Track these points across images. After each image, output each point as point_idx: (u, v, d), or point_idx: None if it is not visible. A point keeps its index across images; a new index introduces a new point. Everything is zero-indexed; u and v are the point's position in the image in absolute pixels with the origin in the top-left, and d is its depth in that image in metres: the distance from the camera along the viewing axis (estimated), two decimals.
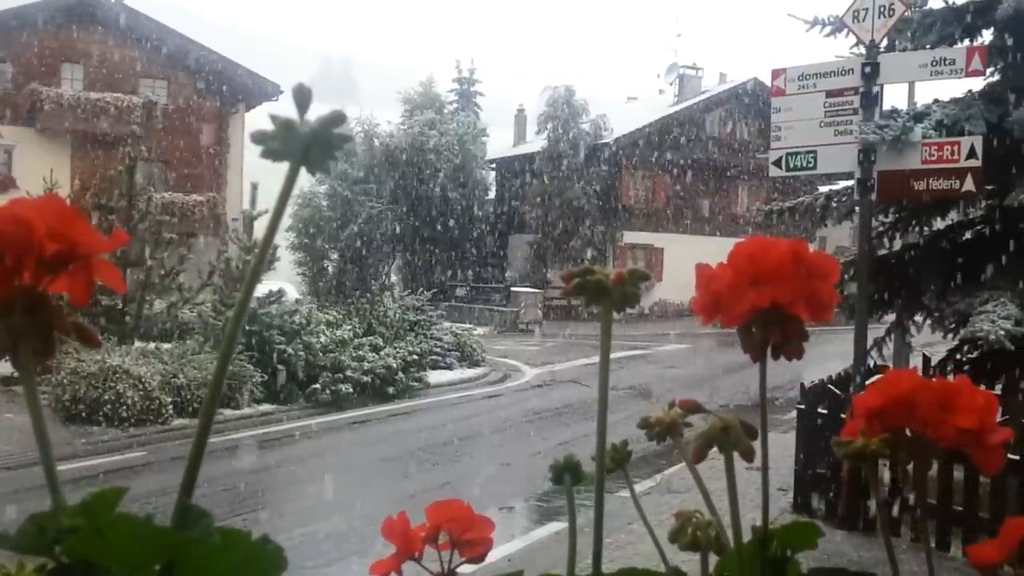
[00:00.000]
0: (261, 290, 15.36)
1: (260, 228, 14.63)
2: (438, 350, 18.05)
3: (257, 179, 15.35)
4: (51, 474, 0.46)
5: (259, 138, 0.45)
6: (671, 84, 38.72)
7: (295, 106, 0.45)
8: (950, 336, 9.08)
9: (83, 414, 11.62)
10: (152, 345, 13.82)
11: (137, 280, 14.88)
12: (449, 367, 18.07)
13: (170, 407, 11.95)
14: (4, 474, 8.93)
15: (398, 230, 34.26)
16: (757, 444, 0.60)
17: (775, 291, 0.57)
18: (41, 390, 11.62)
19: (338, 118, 0.45)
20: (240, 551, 0.41)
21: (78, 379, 11.70)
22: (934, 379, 0.62)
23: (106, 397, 11.58)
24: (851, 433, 0.63)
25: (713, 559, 0.63)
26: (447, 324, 20.40)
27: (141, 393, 11.74)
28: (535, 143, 35.95)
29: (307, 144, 0.44)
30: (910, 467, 0.63)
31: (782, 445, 8.95)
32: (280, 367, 14.02)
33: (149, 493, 7.99)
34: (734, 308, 0.59)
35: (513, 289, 31.72)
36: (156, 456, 10.19)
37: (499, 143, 40.48)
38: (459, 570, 0.75)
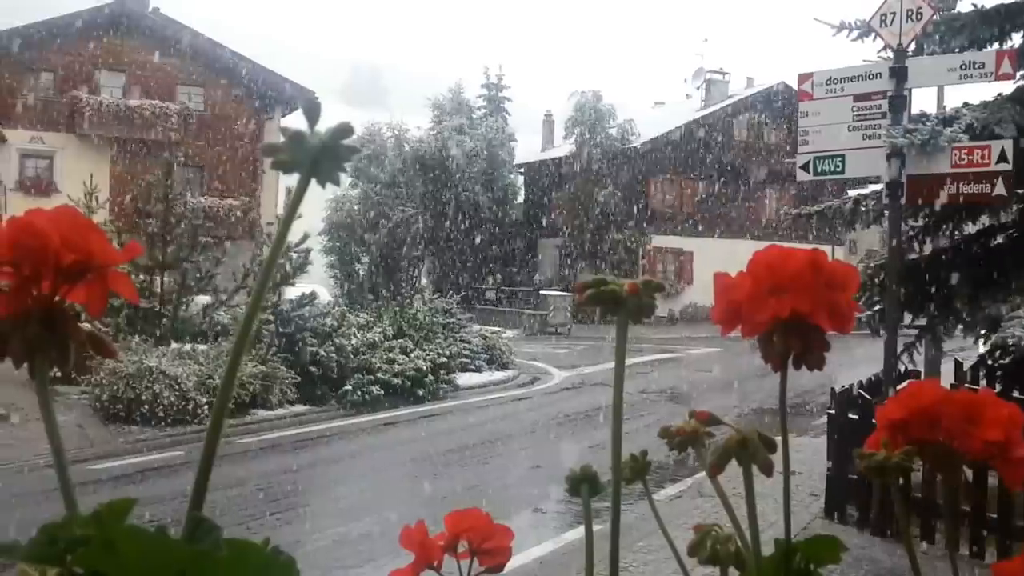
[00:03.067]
0: (294, 293, 15.50)
1: (295, 232, 14.76)
2: (467, 352, 18.07)
3: (291, 184, 15.42)
4: (65, 484, 0.46)
5: (269, 150, 0.45)
6: (698, 89, 38.58)
7: (305, 119, 0.45)
8: (982, 341, 8.96)
9: (121, 413, 11.79)
10: (188, 346, 13.97)
11: (174, 282, 15.07)
12: (478, 370, 18.08)
13: (205, 407, 12.07)
14: (46, 471, 9.07)
15: (428, 234, 34.42)
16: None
17: (795, 301, 0.56)
18: (80, 389, 11.95)
19: (346, 130, 0.45)
20: (251, 563, 0.41)
21: (116, 379, 11.86)
22: (960, 388, 0.61)
23: (144, 397, 11.73)
24: (874, 445, 0.62)
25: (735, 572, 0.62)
26: (476, 327, 20.42)
27: (177, 393, 11.89)
28: (563, 148, 35.98)
29: (316, 156, 0.44)
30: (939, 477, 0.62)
31: (813, 450, 8.87)
32: (312, 368, 14.12)
33: (185, 493, 8.07)
34: (754, 318, 0.58)
35: (542, 292, 31.72)
36: (192, 455, 10.27)
37: (527, 148, 40.58)
38: None
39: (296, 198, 0.46)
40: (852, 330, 0.58)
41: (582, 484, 0.64)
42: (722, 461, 0.59)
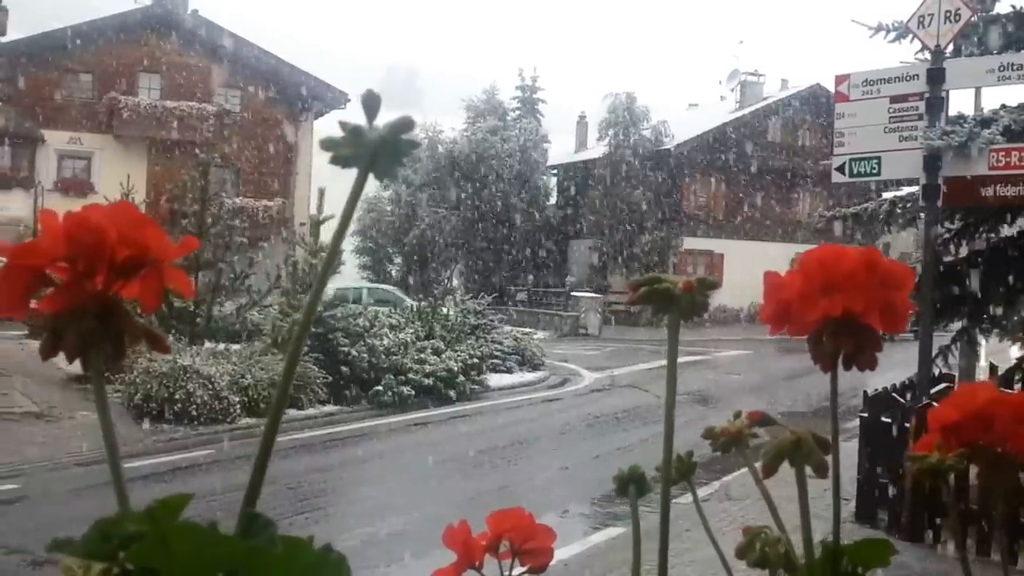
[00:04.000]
0: (326, 293, 15.58)
1: (327, 232, 14.86)
2: (498, 353, 18.08)
3: (324, 185, 15.56)
4: (118, 480, 0.46)
5: (329, 145, 0.45)
6: (732, 90, 38.42)
7: (364, 112, 0.45)
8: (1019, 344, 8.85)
9: (154, 412, 11.88)
10: (221, 346, 14.08)
11: (208, 282, 15.20)
12: (509, 371, 18.08)
13: (238, 407, 12.16)
14: (78, 470, 9.17)
15: (460, 235, 34.51)
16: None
17: (848, 300, 0.55)
18: (113, 388, 12.07)
19: (406, 124, 0.44)
20: (304, 560, 0.41)
21: (150, 378, 11.97)
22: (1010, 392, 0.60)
23: (177, 396, 11.82)
24: (925, 448, 0.61)
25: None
26: (508, 328, 20.42)
27: (210, 392, 11.97)
28: (596, 149, 35.96)
29: (375, 150, 0.44)
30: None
31: (843, 453, 8.74)
32: (344, 369, 14.18)
33: (216, 491, 8.13)
34: (804, 317, 0.57)
35: (573, 294, 31.68)
36: (224, 454, 10.36)
37: (561, 149, 40.57)
38: None
39: (354, 193, 0.45)
40: (906, 330, 0.58)
41: (630, 484, 0.63)
42: (775, 462, 0.58)
